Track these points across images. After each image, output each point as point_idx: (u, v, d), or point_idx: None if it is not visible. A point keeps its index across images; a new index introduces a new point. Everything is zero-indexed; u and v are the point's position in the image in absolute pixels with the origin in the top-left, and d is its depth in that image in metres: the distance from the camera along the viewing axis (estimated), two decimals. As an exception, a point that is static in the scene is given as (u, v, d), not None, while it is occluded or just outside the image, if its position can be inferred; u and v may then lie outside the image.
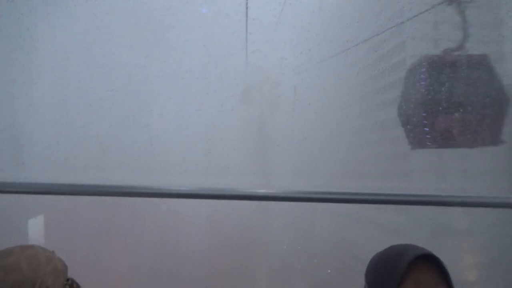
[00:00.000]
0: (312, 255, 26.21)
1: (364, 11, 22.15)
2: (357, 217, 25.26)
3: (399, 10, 19.00)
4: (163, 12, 24.16)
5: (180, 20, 24.67)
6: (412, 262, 1.07)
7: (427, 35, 20.05)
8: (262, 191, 1.29)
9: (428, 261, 1.10)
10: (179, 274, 23.15)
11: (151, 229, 23.69)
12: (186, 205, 23.29)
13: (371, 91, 25.19)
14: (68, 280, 1.20)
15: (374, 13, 20.41)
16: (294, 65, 22.40)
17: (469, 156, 21.44)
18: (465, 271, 21.00)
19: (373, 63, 23.95)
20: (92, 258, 20.29)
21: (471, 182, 21.36)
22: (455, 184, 21.56)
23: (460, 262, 21.03)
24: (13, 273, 1.04)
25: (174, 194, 1.47)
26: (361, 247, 23.15)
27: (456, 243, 21.38)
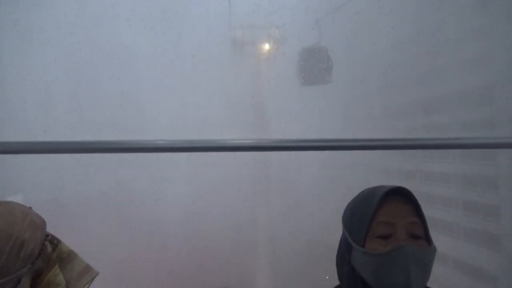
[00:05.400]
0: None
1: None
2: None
3: None
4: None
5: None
6: (384, 196, 1.12)
7: None
8: (244, 141, 1.26)
9: (400, 195, 1.14)
10: (161, 234, 23.33)
11: (133, 189, 23.58)
12: (166, 159, 23.21)
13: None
14: (47, 235, 1.18)
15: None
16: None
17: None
18: None
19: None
20: (74, 221, 20.25)
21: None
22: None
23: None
24: None
25: (152, 148, 1.42)
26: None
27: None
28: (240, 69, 23.39)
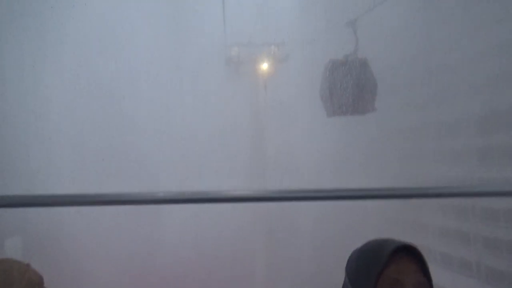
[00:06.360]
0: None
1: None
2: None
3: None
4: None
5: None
6: (392, 252, 1.11)
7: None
8: (243, 192, 1.27)
9: (408, 252, 1.14)
10: (160, 283, 22.68)
11: (131, 239, 23.14)
12: (165, 211, 22.91)
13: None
14: None
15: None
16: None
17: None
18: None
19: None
20: (72, 270, 19.76)
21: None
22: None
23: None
24: None
25: (151, 200, 1.43)
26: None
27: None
28: (239, 108, 23.63)
